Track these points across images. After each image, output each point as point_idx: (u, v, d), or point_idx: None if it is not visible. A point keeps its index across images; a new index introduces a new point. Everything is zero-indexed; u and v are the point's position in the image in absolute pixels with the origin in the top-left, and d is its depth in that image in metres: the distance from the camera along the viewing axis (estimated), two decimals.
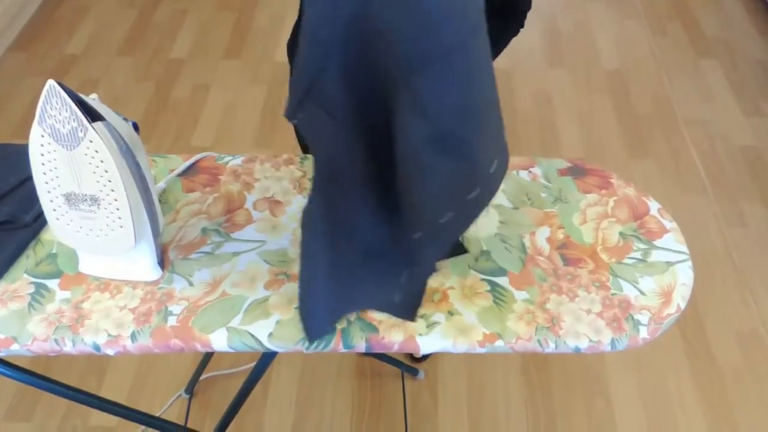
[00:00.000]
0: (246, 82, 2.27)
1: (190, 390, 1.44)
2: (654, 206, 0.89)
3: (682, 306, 0.78)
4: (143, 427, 1.20)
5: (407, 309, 0.77)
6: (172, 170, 0.93)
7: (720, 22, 2.53)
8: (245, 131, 2.09)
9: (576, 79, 2.28)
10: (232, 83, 2.27)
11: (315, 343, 0.74)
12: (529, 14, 1.11)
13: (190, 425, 1.39)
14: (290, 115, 0.62)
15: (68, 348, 0.73)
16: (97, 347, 0.73)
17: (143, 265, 0.78)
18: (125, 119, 0.74)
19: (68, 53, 2.37)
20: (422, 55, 0.55)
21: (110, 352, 0.73)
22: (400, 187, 0.68)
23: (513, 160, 0.95)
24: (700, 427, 1.41)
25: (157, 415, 1.40)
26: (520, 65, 2.33)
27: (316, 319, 0.75)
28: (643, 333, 0.75)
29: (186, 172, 0.94)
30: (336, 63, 0.59)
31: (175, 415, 1.42)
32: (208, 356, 1.45)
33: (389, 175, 0.67)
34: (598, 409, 1.39)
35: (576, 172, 0.94)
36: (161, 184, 0.90)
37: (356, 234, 0.74)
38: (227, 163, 0.96)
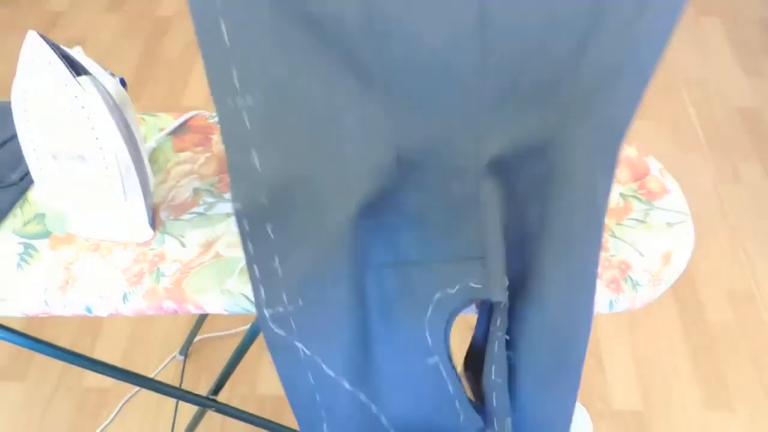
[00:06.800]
0: None
1: (185, 351, 1.44)
2: (655, 166, 0.88)
3: (682, 268, 0.77)
4: (137, 388, 1.20)
5: None
6: (162, 129, 0.91)
7: None
8: None
9: None
10: None
11: None
12: None
13: (185, 386, 1.40)
14: None
15: (59, 310, 0.71)
16: (89, 309, 0.71)
17: (134, 225, 0.76)
18: (112, 74, 0.71)
19: (52, 9, 2.30)
20: None
21: (103, 313, 0.71)
22: None
23: None
24: (690, 384, 1.42)
25: (152, 375, 1.41)
26: None
27: None
28: (642, 294, 0.74)
29: (176, 132, 0.91)
30: None
31: (170, 376, 1.42)
32: (203, 318, 1.45)
33: None
34: (589, 367, 1.39)
35: None
36: (151, 143, 0.88)
37: None
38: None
